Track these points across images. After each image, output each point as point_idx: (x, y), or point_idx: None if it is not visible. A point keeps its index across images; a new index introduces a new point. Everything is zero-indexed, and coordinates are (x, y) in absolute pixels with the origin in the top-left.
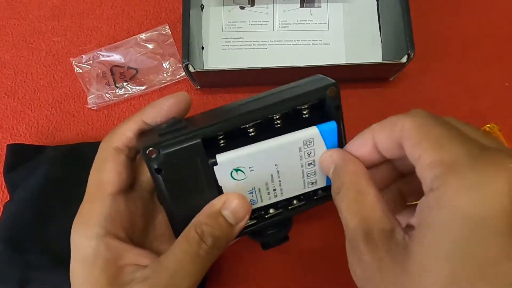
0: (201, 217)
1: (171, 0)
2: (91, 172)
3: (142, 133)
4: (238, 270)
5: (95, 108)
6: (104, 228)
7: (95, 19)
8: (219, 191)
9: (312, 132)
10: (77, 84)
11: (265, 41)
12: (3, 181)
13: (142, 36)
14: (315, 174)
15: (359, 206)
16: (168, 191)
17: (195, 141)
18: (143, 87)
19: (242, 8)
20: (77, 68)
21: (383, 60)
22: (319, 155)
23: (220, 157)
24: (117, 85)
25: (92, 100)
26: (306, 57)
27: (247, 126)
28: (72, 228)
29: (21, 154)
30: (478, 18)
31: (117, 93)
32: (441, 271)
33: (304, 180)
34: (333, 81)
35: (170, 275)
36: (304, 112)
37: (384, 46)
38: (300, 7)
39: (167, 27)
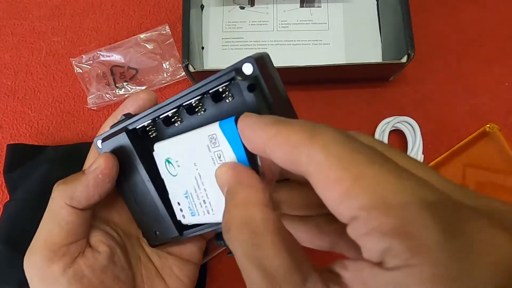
0: None
1: (171, 0)
2: None
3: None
4: (239, 269)
5: (95, 108)
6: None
7: (95, 19)
8: (156, 183)
9: (213, 127)
10: (77, 84)
11: (265, 41)
12: (3, 181)
13: (142, 36)
14: None
15: (257, 251)
16: (119, 181)
17: (120, 133)
18: (143, 87)
19: (242, 8)
20: (77, 68)
21: (383, 60)
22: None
23: (157, 145)
24: (117, 85)
25: (92, 100)
26: (306, 57)
27: (169, 115)
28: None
29: (21, 154)
30: (478, 18)
31: (117, 93)
32: None
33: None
34: (254, 55)
35: None
36: (228, 98)
37: (384, 46)
38: (300, 7)
39: (167, 27)
